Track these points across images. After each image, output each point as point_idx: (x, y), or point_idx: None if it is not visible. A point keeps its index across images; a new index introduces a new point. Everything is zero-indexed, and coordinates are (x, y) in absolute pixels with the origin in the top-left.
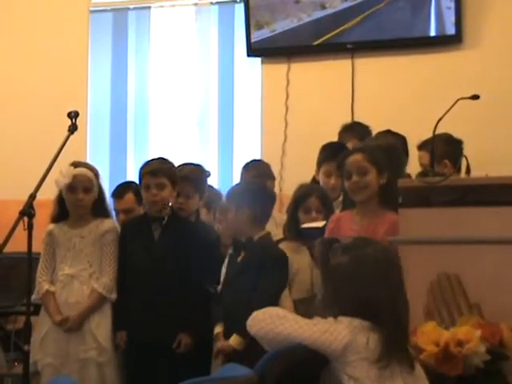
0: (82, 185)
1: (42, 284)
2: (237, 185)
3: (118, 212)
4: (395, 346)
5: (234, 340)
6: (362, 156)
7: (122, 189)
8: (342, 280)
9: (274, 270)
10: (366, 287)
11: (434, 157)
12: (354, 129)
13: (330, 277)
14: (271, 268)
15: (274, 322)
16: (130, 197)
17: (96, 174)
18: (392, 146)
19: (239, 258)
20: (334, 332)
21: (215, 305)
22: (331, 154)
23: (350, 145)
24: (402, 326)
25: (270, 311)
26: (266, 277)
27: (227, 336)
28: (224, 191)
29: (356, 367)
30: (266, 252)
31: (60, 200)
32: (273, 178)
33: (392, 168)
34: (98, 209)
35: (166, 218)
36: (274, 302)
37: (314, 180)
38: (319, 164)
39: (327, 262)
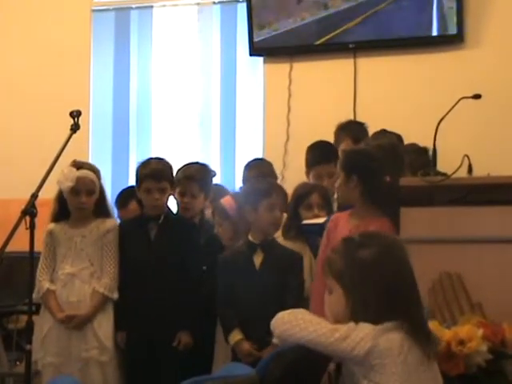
0: (86, 188)
1: (43, 283)
2: (245, 186)
3: (122, 220)
4: (424, 338)
5: None
6: (335, 162)
7: (125, 197)
8: (371, 272)
9: (300, 269)
10: (398, 273)
11: (435, 157)
12: (348, 128)
13: (358, 276)
14: (298, 267)
15: (300, 325)
16: (133, 205)
17: (98, 175)
18: (394, 146)
19: (257, 260)
20: (356, 338)
21: (223, 305)
22: (320, 156)
23: (344, 144)
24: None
25: (295, 313)
26: (295, 276)
27: (251, 340)
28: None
29: (377, 371)
30: (288, 252)
31: (60, 199)
32: (275, 178)
33: (394, 168)
34: (100, 209)
35: (162, 218)
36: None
37: None
38: (308, 166)
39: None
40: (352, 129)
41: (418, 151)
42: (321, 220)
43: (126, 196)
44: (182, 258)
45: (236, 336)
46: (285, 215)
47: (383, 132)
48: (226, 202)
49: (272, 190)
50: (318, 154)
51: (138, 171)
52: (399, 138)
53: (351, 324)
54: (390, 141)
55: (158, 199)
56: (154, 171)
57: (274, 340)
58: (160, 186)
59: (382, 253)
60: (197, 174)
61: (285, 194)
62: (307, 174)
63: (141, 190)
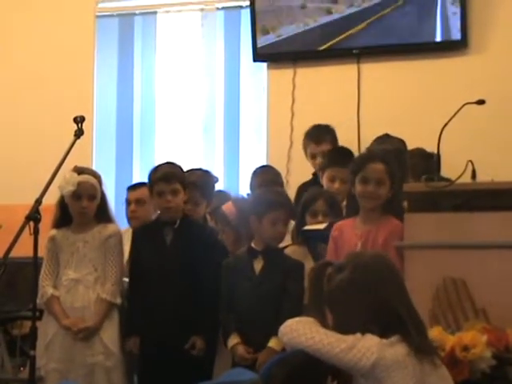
0: (87, 192)
1: (46, 288)
2: (248, 196)
3: (129, 203)
4: (424, 347)
5: (276, 343)
6: (384, 167)
7: (138, 184)
8: (350, 296)
9: (300, 277)
10: (376, 292)
11: (439, 162)
12: (309, 133)
13: (335, 301)
14: (299, 275)
15: (306, 334)
16: (143, 189)
17: (99, 180)
18: (400, 152)
19: (257, 266)
20: (362, 348)
21: (223, 311)
22: (336, 159)
23: (308, 150)
24: (421, 325)
25: (303, 322)
26: (295, 284)
27: (250, 344)
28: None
29: (384, 383)
30: (289, 260)
31: (62, 205)
32: (281, 185)
33: (399, 173)
34: (101, 214)
35: (177, 222)
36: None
37: (314, 174)
38: (323, 168)
39: (320, 289)
40: (311, 133)
41: (423, 156)
42: (321, 226)
43: (138, 183)
44: (198, 263)
45: (233, 340)
46: (293, 222)
47: (386, 136)
48: (227, 207)
49: (278, 203)
50: (336, 156)
51: (149, 177)
52: (402, 142)
53: (358, 334)
54: (395, 146)
55: (170, 201)
56: (165, 174)
57: (270, 344)
58: (171, 187)
59: (353, 276)
60: (199, 181)
61: (292, 207)
62: (321, 176)
63: (154, 194)
